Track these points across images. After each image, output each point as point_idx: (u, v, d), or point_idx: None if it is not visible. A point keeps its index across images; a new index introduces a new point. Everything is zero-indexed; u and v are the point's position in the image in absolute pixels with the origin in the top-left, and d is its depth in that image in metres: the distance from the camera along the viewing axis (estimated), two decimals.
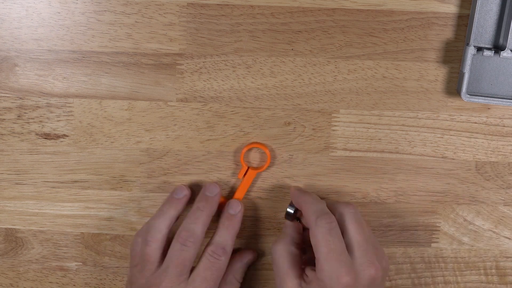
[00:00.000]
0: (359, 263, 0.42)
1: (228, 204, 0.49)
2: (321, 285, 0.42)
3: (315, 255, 0.43)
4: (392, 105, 0.49)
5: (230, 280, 0.49)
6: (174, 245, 0.46)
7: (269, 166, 0.50)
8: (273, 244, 0.47)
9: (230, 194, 0.51)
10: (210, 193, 0.48)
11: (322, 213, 0.44)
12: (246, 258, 0.51)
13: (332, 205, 0.46)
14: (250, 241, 0.52)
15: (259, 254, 0.53)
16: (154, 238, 0.46)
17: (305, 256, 0.48)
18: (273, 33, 0.47)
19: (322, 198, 0.51)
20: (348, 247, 0.43)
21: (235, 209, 0.49)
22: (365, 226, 0.44)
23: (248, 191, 0.51)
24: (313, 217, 0.44)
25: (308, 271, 0.44)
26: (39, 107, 0.49)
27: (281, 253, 0.46)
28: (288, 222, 0.48)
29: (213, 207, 0.48)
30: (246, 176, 0.50)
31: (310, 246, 0.46)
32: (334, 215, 0.44)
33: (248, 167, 0.50)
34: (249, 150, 0.50)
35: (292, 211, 0.48)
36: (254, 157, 0.50)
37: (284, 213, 0.50)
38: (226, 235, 0.47)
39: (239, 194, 0.50)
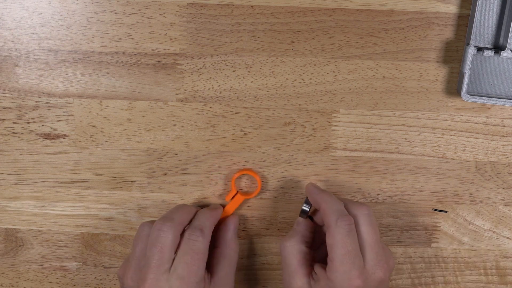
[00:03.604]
0: (370, 266, 0.43)
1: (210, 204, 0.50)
2: (330, 285, 0.42)
3: (329, 255, 0.43)
4: (392, 105, 0.49)
5: (227, 253, 0.48)
6: (152, 233, 0.45)
7: (259, 193, 0.50)
8: (282, 241, 0.46)
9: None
10: (214, 207, 0.49)
11: (342, 214, 0.44)
12: (231, 224, 0.50)
13: (347, 205, 0.46)
14: (251, 241, 0.52)
15: (259, 254, 0.53)
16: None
17: (313, 254, 0.48)
18: (273, 33, 0.47)
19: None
20: (361, 249, 0.43)
21: (215, 206, 0.50)
22: (376, 228, 0.45)
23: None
24: (334, 218, 0.43)
25: (318, 269, 0.44)
26: (39, 107, 0.49)
27: (290, 251, 0.46)
28: (300, 220, 0.48)
29: (215, 215, 0.48)
30: (233, 199, 0.50)
31: (321, 244, 0.46)
32: (351, 215, 0.44)
33: (238, 191, 0.50)
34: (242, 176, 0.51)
35: (307, 209, 0.48)
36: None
37: (299, 210, 0.50)
38: (204, 220, 0.46)
39: (223, 215, 0.50)
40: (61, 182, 0.51)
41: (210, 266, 0.47)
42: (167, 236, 0.44)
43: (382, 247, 0.45)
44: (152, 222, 0.46)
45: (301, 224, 0.48)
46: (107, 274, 0.54)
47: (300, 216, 0.48)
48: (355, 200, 0.49)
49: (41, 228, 0.53)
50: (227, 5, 0.47)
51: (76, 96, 0.49)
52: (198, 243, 0.44)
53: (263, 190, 0.51)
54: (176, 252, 0.44)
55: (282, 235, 0.52)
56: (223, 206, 0.50)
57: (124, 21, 0.47)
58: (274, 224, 0.52)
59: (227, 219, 0.50)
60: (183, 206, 0.48)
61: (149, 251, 0.44)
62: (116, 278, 0.54)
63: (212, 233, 0.48)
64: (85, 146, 0.50)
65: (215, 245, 0.49)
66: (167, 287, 0.43)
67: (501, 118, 0.49)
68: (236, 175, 0.50)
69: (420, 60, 0.48)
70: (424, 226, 0.52)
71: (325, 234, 0.44)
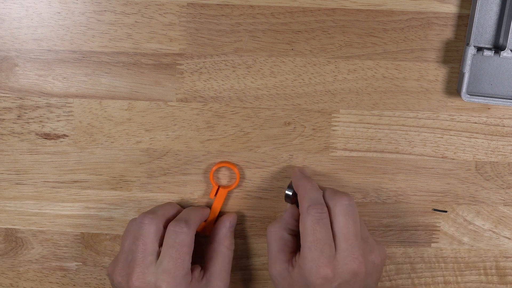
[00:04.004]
0: (342, 256, 0.42)
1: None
2: (301, 272, 0.42)
3: (301, 242, 0.43)
4: (392, 105, 0.49)
5: (220, 250, 0.48)
6: (135, 227, 0.45)
7: (239, 184, 0.50)
8: (268, 227, 0.47)
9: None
10: (202, 207, 0.50)
11: (315, 203, 0.44)
12: (227, 221, 0.49)
13: (327, 194, 0.46)
14: (250, 241, 0.52)
15: (259, 254, 0.53)
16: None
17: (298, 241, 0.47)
18: (273, 33, 0.47)
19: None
20: (334, 239, 0.43)
21: (202, 206, 0.50)
22: (356, 220, 0.44)
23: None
24: (306, 205, 0.44)
25: (297, 256, 0.44)
26: (39, 107, 0.49)
27: (273, 236, 0.46)
28: (288, 206, 0.48)
29: (201, 211, 0.49)
30: (217, 195, 0.50)
31: None
32: (328, 205, 0.44)
33: (219, 186, 0.50)
34: (218, 169, 0.51)
35: (290, 193, 0.48)
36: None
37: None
38: (189, 213, 0.47)
39: (213, 213, 0.50)
40: (61, 182, 0.51)
41: (204, 262, 0.47)
42: (149, 228, 0.44)
43: (365, 241, 0.44)
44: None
45: (287, 211, 0.48)
46: (107, 274, 0.54)
47: (285, 200, 0.49)
48: (341, 191, 0.47)
49: (41, 228, 0.53)
50: (227, 5, 0.47)
51: (76, 96, 0.49)
52: (182, 235, 0.44)
53: (262, 189, 0.51)
54: (162, 245, 0.44)
55: None
56: (209, 206, 0.51)
57: (124, 21, 0.47)
58: None
59: (224, 216, 0.50)
60: (168, 202, 0.49)
61: (133, 245, 0.44)
62: None
63: (210, 231, 0.48)
64: (85, 146, 0.50)
65: (209, 241, 0.49)
66: (154, 279, 0.43)
67: (501, 118, 0.49)
68: (213, 170, 0.50)
69: (420, 60, 0.48)
70: (424, 226, 0.52)
71: None
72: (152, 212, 0.46)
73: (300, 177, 0.48)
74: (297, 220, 0.47)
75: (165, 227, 0.45)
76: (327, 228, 0.43)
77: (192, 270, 0.45)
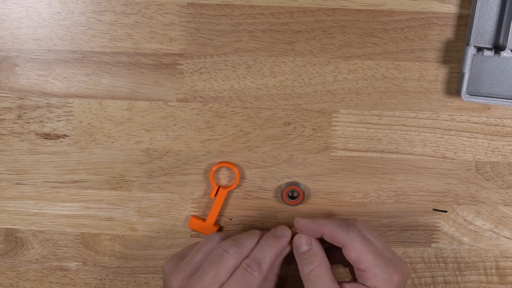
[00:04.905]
0: (395, 262, 0.44)
1: (276, 227, 0.47)
2: None
3: (360, 267, 0.43)
4: (392, 105, 0.49)
5: (269, 277, 0.46)
6: (217, 250, 0.45)
7: (239, 184, 0.50)
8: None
9: (205, 212, 0.51)
10: (281, 234, 0.46)
11: (349, 226, 0.44)
12: (284, 252, 0.47)
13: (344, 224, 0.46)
14: None
15: None
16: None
17: None
18: (273, 33, 0.47)
19: (322, 199, 0.51)
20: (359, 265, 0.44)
21: (282, 232, 0.46)
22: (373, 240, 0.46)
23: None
24: (344, 232, 0.44)
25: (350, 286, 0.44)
26: (39, 107, 0.49)
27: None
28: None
29: (279, 247, 0.46)
30: (217, 195, 0.50)
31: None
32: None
33: (219, 186, 0.50)
34: (218, 169, 0.51)
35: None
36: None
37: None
38: (266, 252, 0.45)
39: (213, 213, 0.50)
40: (61, 182, 0.51)
41: None
42: (230, 261, 0.44)
43: (392, 250, 0.46)
44: (222, 237, 0.46)
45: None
46: (107, 274, 0.54)
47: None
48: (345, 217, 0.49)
49: (41, 228, 0.53)
50: (227, 5, 0.47)
51: (76, 96, 0.49)
52: (252, 277, 0.43)
53: (262, 189, 0.51)
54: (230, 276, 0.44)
55: None
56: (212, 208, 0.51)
57: (124, 21, 0.47)
58: (274, 224, 0.52)
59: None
60: (255, 234, 0.46)
61: (206, 266, 0.44)
62: (116, 278, 0.54)
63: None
64: (85, 146, 0.50)
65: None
66: None
67: (501, 118, 0.49)
68: (213, 170, 0.50)
69: (420, 60, 0.48)
70: (424, 226, 0.52)
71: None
72: (239, 245, 0.44)
73: (311, 221, 0.46)
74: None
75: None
76: (372, 242, 0.44)
77: None
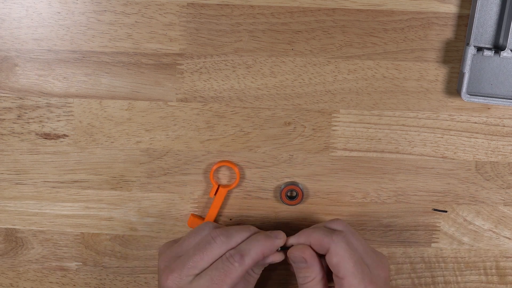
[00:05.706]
0: (373, 270, 0.43)
1: (273, 231, 0.47)
2: None
3: (339, 273, 0.43)
4: (392, 105, 0.49)
5: (248, 272, 0.46)
6: (205, 237, 0.45)
7: (239, 183, 0.50)
8: None
9: (204, 211, 0.51)
10: (274, 235, 0.46)
11: (333, 232, 0.44)
12: (270, 259, 0.46)
13: (325, 225, 0.46)
14: None
15: None
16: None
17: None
18: (273, 33, 0.47)
19: (322, 199, 0.51)
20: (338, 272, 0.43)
21: (275, 234, 0.46)
22: (358, 234, 0.46)
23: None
24: (328, 238, 0.43)
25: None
26: (39, 107, 0.49)
27: None
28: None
29: (267, 245, 0.45)
30: (217, 194, 0.50)
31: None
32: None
33: (219, 185, 0.50)
34: (219, 168, 0.51)
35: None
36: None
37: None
38: (252, 246, 0.44)
39: (212, 211, 0.50)
40: (61, 182, 0.51)
41: None
42: (215, 249, 0.44)
43: (371, 249, 0.45)
44: (216, 226, 0.46)
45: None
46: (107, 274, 0.54)
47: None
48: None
49: (41, 228, 0.53)
50: (227, 5, 0.47)
51: (76, 96, 0.49)
52: (232, 268, 0.43)
53: (262, 189, 0.51)
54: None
55: None
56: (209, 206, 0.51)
57: (124, 21, 0.47)
58: (274, 224, 0.52)
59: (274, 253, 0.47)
60: (248, 230, 0.46)
61: (192, 250, 0.44)
62: (116, 278, 0.54)
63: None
64: (85, 146, 0.50)
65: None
66: None
67: (501, 118, 0.49)
68: (213, 169, 0.50)
69: (420, 60, 0.48)
70: (424, 226, 0.52)
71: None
72: (228, 235, 0.45)
73: (297, 237, 0.46)
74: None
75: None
76: (355, 249, 0.44)
77: None
